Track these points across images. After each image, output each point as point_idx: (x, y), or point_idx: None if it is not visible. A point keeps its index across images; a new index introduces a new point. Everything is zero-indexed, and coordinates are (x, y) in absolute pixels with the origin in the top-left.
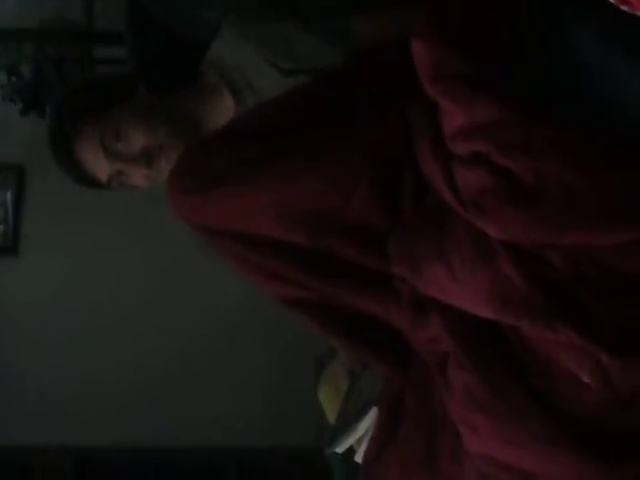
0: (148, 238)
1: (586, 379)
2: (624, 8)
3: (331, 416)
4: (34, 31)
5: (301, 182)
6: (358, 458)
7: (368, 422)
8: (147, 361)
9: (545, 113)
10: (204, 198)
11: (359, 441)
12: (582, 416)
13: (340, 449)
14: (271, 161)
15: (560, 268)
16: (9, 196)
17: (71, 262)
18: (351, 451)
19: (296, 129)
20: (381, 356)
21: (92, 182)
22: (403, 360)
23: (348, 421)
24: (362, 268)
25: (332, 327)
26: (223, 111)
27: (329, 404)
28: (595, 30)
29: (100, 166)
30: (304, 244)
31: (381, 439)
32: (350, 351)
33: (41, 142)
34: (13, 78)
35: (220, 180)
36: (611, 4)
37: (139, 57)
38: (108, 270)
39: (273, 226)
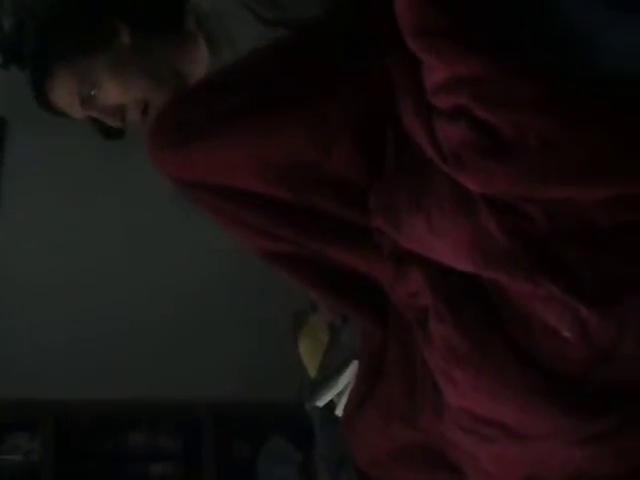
0: (134, 191)
1: (566, 333)
2: None
3: (312, 370)
4: None
5: (281, 135)
6: (339, 412)
7: (349, 376)
8: (126, 316)
9: (526, 66)
10: (183, 152)
11: (339, 395)
12: (561, 370)
13: (320, 403)
14: (250, 114)
15: (540, 222)
16: None
17: (56, 216)
18: (331, 405)
19: (277, 83)
20: (362, 309)
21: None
22: (383, 314)
23: (329, 375)
24: (343, 222)
25: (312, 280)
26: (199, 60)
27: (309, 358)
28: None
29: (75, 110)
30: (285, 198)
31: (361, 392)
32: (330, 304)
33: (23, 95)
34: None
35: (198, 134)
36: None
37: None
38: (93, 224)
39: (253, 180)
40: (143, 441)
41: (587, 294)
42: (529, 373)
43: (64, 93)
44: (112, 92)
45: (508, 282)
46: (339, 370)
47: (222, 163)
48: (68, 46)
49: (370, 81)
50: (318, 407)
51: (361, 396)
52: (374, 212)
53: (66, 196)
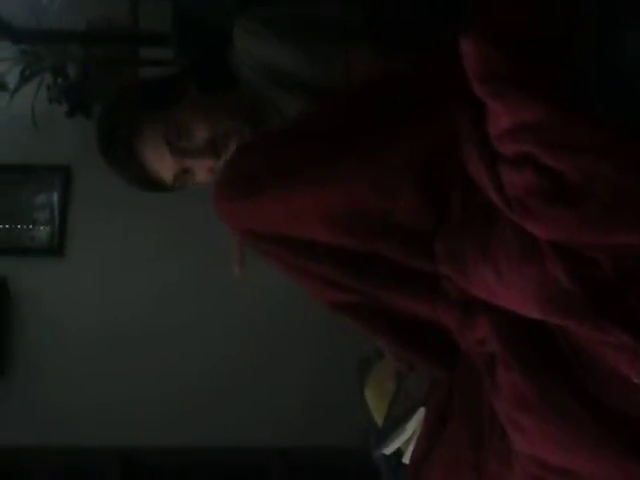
0: (195, 239)
1: (636, 380)
2: None
3: (378, 417)
4: (80, 32)
5: (349, 185)
6: (405, 460)
7: (415, 423)
8: (190, 364)
9: (592, 114)
10: (253, 204)
11: (407, 442)
12: (632, 417)
13: (388, 450)
14: (318, 164)
15: (607, 268)
16: (56, 197)
17: (118, 264)
18: (398, 452)
19: (343, 133)
20: (427, 357)
21: (155, 183)
22: (450, 360)
23: (395, 422)
24: (409, 269)
25: (378, 328)
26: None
27: (376, 405)
28: None
29: (166, 164)
30: (350, 247)
31: (428, 440)
32: (397, 352)
33: (87, 143)
34: (59, 79)
35: (268, 185)
36: None
37: (188, 57)
38: (154, 273)
39: (319, 230)
40: None
41: None
42: (599, 422)
43: (154, 149)
44: (199, 129)
45: (576, 329)
46: (406, 418)
47: (288, 213)
48: (147, 104)
49: (435, 130)
50: (385, 455)
51: (428, 444)
52: (439, 257)
53: (129, 245)
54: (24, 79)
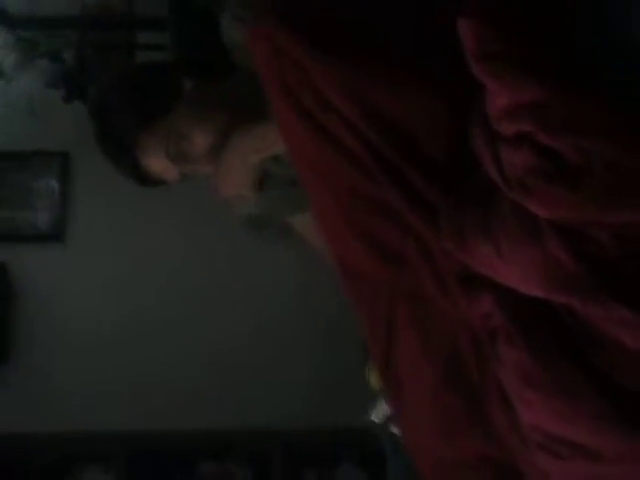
0: (200, 225)
1: None
2: None
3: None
4: (76, 17)
5: (410, 94)
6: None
7: None
8: (196, 348)
9: (589, 91)
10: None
11: None
12: (637, 392)
13: (375, 417)
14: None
15: (608, 246)
16: (55, 183)
17: (119, 250)
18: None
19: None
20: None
21: (155, 183)
22: None
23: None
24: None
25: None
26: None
27: (377, 384)
28: None
29: (169, 172)
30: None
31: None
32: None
33: (85, 129)
34: (56, 65)
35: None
36: None
37: (181, 43)
38: (158, 257)
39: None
40: (214, 471)
41: None
42: (603, 396)
43: (156, 158)
44: (199, 135)
45: (579, 306)
46: None
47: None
48: (144, 113)
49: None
50: (390, 433)
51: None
52: (444, 235)
53: (130, 229)
54: (21, 66)
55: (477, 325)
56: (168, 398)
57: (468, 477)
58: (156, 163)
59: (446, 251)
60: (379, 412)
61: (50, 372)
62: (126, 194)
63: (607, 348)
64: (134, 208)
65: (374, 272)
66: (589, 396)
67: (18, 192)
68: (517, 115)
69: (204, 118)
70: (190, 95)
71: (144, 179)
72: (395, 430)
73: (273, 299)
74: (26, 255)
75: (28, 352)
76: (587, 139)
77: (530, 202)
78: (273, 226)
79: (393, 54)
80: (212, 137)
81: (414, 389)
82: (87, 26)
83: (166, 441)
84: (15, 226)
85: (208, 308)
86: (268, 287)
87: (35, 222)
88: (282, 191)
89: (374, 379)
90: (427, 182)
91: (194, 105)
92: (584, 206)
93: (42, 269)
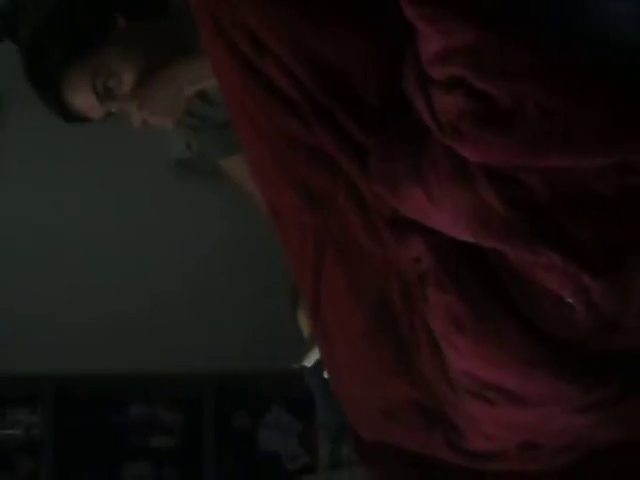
0: (127, 167)
1: (569, 299)
2: None
3: (312, 342)
4: None
5: (342, 33)
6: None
7: None
8: (126, 289)
9: (523, 35)
10: None
11: None
12: (564, 337)
13: (307, 362)
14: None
15: (539, 191)
16: None
17: (54, 183)
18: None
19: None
20: None
21: (81, 119)
22: None
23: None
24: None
25: None
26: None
27: (308, 330)
28: None
29: (95, 110)
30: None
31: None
32: None
33: (17, 68)
34: None
35: None
36: None
37: None
38: (91, 195)
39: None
40: (143, 413)
41: (589, 263)
42: (530, 340)
43: (82, 95)
44: (128, 74)
45: (509, 251)
46: None
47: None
48: (73, 47)
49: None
50: (318, 377)
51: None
52: (374, 178)
53: (66, 164)
54: None
55: (406, 269)
56: (97, 340)
57: (396, 425)
58: (82, 99)
59: (376, 194)
60: (310, 357)
61: None
62: (60, 133)
63: (532, 293)
64: (69, 143)
65: (303, 217)
66: (517, 341)
67: None
68: (450, 59)
69: (135, 56)
70: (122, 32)
71: (69, 115)
72: (325, 375)
73: (204, 243)
74: None
75: None
76: (521, 83)
77: (463, 146)
78: (204, 169)
79: None
80: (140, 75)
81: (343, 335)
82: None
83: (95, 384)
84: None
85: (138, 253)
86: (199, 232)
87: None
88: (214, 133)
89: (305, 324)
90: (359, 124)
91: (126, 42)
92: (515, 150)
93: None
